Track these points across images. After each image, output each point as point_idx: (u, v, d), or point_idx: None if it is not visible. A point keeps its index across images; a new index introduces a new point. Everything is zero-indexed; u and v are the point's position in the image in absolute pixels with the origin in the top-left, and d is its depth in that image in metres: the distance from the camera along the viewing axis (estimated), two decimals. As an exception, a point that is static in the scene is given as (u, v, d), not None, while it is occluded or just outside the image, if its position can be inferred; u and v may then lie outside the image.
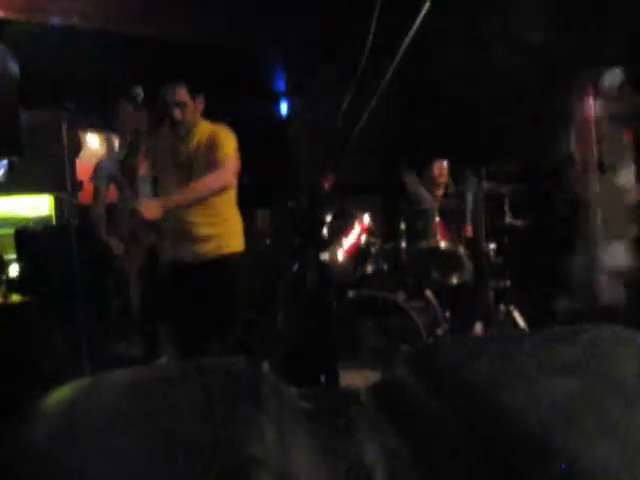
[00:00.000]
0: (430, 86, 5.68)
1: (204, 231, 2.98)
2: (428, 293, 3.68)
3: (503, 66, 5.00)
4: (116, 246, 3.79)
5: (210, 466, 0.56)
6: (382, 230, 4.00)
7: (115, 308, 4.52)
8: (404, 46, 1.45)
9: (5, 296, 3.20)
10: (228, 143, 2.90)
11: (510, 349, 0.79)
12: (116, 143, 4.59)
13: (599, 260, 4.81)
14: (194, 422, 0.64)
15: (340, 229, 3.63)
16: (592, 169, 4.83)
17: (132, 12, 4.95)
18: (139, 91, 3.78)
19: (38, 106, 4.14)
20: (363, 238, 3.69)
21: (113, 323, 4.40)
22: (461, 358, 0.79)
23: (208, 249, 2.99)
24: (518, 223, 4.12)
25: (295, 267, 3.62)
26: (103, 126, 5.59)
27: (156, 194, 3.19)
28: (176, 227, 2.93)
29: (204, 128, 2.98)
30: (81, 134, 5.62)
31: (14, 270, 4.21)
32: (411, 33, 1.44)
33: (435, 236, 3.80)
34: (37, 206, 5.21)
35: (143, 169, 3.42)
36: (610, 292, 4.75)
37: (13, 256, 4.28)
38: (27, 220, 5.10)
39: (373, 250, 3.73)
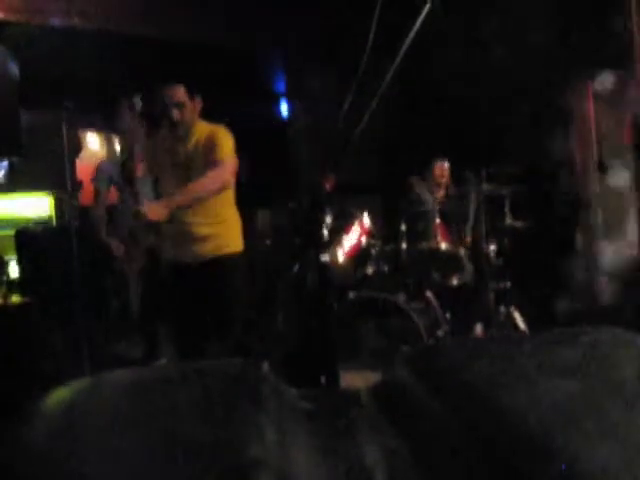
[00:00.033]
0: (430, 86, 5.68)
1: (203, 231, 2.98)
2: (428, 294, 3.68)
3: (503, 66, 5.00)
4: (116, 247, 3.79)
5: (210, 466, 0.56)
6: (382, 231, 4.00)
7: (115, 309, 4.52)
8: (405, 47, 1.45)
9: (5, 297, 3.20)
10: (226, 143, 2.90)
11: (510, 350, 0.80)
12: (116, 144, 4.59)
13: (599, 261, 4.81)
14: (194, 422, 0.64)
15: (340, 230, 3.63)
16: (592, 169, 4.83)
17: (132, 12, 4.95)
18: (138, 100, 3.79)
19: (38, 106, 4.15)
20: (363, 239, 3.69)
21: (113, 324, 4.40)
22: (461, 359, 0.79)
23: (207, 249, 2.99)
24: (518, 224, 4.12)
25: (295, 268, 3.62)
26: (103, 126, 5.59)
27: (157, 195, 3.19)
28: (175, 228, 2.93)
29: (202, 128, 2.98)
30: (81, 134, 5.63)
31: (14, 271, 4.21)
32: (411, 34, 1.44)
33: (435, 237, 3.80)
34: (37, 207, 5.21)
35: (141, 170, 3.42)
36: (610, 293, 4.75)
37: (13, 257, 4.28)
38: (27, 221, 5.10)
39: (373, 251, 3.73)
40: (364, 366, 3.13)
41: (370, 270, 3.71)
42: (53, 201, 5.23)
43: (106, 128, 5.57)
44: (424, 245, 3.81)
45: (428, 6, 1.41)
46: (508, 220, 4.10)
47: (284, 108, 6.20)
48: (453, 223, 4.01)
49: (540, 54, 4.84)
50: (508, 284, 4.08)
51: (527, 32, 4.87)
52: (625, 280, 4.54)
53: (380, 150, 5.90)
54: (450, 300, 3.83)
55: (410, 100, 5.73)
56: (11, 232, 4.50)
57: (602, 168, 4.41)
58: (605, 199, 4.75)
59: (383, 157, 6.08)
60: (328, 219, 3.46)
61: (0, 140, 2.96)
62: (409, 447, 0.68)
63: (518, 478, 0.56)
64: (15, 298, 3.26)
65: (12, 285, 3.63)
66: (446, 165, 4.69)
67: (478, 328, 3.97)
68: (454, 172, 4.69)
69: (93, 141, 5.85)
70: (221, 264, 3.01)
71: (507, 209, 4.11)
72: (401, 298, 3.43)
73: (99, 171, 3.98)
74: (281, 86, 6.21)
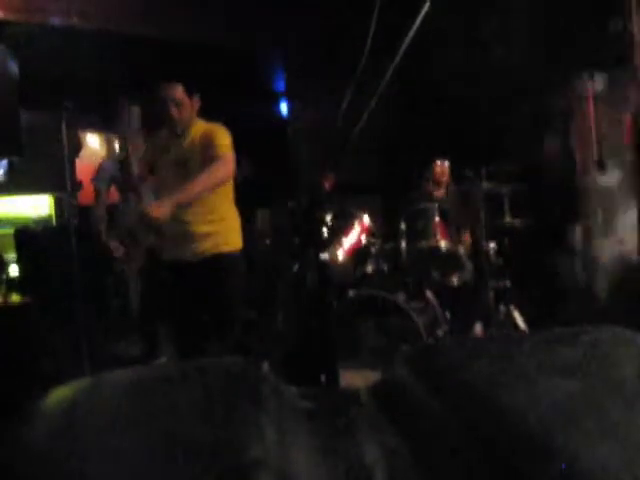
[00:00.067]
0: (430, 86, 5.69)
1: (202, 229, 2.98)
2: (428, 293, 3.68)
3: (503, 66, 5.01)
4: (116, 248, 3.79)
5: (210, 466, 0.56)
6: (382, 230, 4.00)
7: (115, 308, 4.53)
8: (404, 46, 1.45)
9: (5, 296, 3.20)
10: (223, 139, 2.91)
11: (510, 350, 0.80)
12: (116, 144, 4.60)
13: (599, 260, 4.81)
14: (194, 422, 0.64)
15: (340, 229, 3.63)
16: (592, 169, 4.83)
17: (132, 12, 4.95)
18: (136, 107, 3.81)
19: (38, 106, 4.15)
20: (363, 238, 3.69)
21: (113, 323, 4.41)
22: (461, 358, 0.79)
23: (206, 247, 3.00)
24: (518, 223, 4.12)
25: (295, 267, 3.62)
26: (103, 126, 5.59)
27: (156, 194, 3.19)
28: (175, 226, 2.93)
29: (199, 126, 3.00)
30: (81, 134, 5.63)
31: (14, 270, 4.21)
32: (411, 33, 1.44)
33: (435, 236, 3.79)
34: (37, 206, 5.21)
35: (139, 169, 3.42)
36: (610, 292, 4.75)
37: (13, 256, 4.28)
38: (27, 220, 5.11)
39: (373, 250, 3.73)
40: (364, 365, 3.13)
41: (370, 269, 3.71)
42: (53, 200, 5.24)
43: (106, 128, 5.58)
44: (424, 244, 3.81)
45: (427, 5, 1.41)
46: (507, 218, 4.10)
47: (284, 108, 6.20)
48: (453, 222, 4.00)
49: (540, 54, 4.84)
50: (508, 283, 4.08)
51: (527, 32, 4.88)
52: (625, 279, 4.55)
53: (380, 150, 5.90)
54: (450, 299, 3.83)
55: (410, 100, 5.74)
56: (11, 231, 4.51)
57: (602, 167, 4.41)
58: (599, 197, 4.77)
59: (383, 157, 6.08)
60: (328, 218, 3.48)
61: (0, 140, 2.96)
62: (409, 446, 0.68)
63: (518, 477, 0.56)
64: (15, 297, 3.26)
65: (12, 284, 3.63)
66: (446, 164, 4.68)
67: (478, 327, 3.97)
68: (454, 171, 4.69)
69: (93, 141, 5.86)
70: (220, 262, 3.01)
71: (506, 207, 4.11)
72: (401, 297, 3.43)
73: (100, 171, 3.98)
74: (281, 86, 6.21)
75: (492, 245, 4.05)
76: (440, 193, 4.70)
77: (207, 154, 2.86)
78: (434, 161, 4.68)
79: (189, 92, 2.95)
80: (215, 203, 3.00)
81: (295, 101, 6.12)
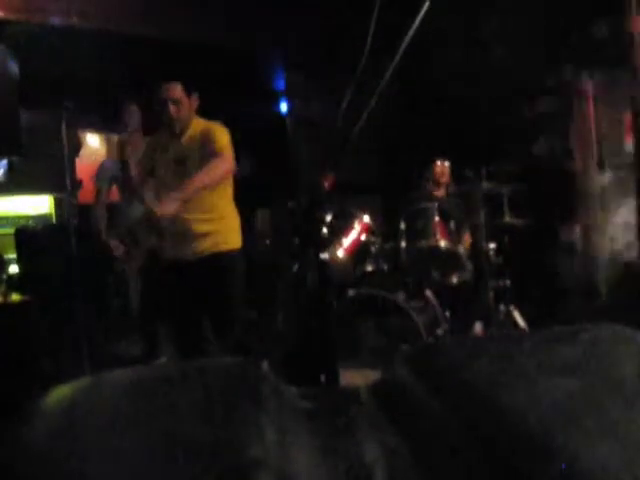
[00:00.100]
0: (430, 86, 5.69)
1: (202, 228, 2.98)
2: (428, 293, 3.68)
3: (503, 66, 5.01)
4: (116, 247, 3.79)
5: (210, 466, 0.56)
6: (382, 230, 4.00)
7: (115, 308, 4.53)
8: (404, 46, 1.45)
9: (5, 295, 3.20)
10: (222, 136, 2.92)
11: (510, 349, 0.80)
12: (116, 144, 4.59)
13: (599, 259, 4.81)
14: (194, 422, 0.64)
15: (340, 229, 3.63)
16: (592, 169, 4.83)
17: (132, 12, 4.95)
18: (136, 108, 3.81)
19: (38, 106, 4.15)
20: (363, 237, 3.69)
21: (113, 323, 4.41)
22: (461, 358, 0.79)
23: (205, 246, 3.00)
24: (518, 222, 4.12)
25: (295, 267, 3.62)
26: (103, 126, 5.59)
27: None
28: (174, 226, 2.93)
29: (198, 124, 3.01)
30: (81, 134, 5.63)
31: (14, 269, 4.21)
32: (411, 33, 1.44)
33: (435, 236, 3.79)
34: (37, 205, 5.21)
35: (137, 173, 3.42)
36: (610, 290, 4.75)
37: (13, 255, 4.28)
38: (27, 218, 5.11)
39: (373, 250, 3.73)
40: (364, 364, 3.13)
41: (370, 268, 3.71)
42: (53, 200, 5.24)
43: (106, 128, 5.58)
44: (423, 243, 3.81)
45: (427, 5, 1.41)
46: (507, 218, 4.10)
47: (284, 107, 6.20)
48: (453, 222, 3.99)
49: (540, 54, 4.85)
50: (508, 282, 4.08)
51: (527, 32, 4.88)
52: (625, 278, 4.55)
53: (380, 150, 5.90)
54: (449, 298, 3.83)
55: (410, 100, 5.74)
56: (11, 230, 4.51)
57: (602, 168, 4.42)
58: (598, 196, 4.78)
59: (383, 157, 6.08)
60: (328, 218, 3.48)
61: (0, 140, 2.96)
62: (409, 446, 0.68)
63: (518, 477, 0.56)
64: (15, 296, 3.25)
65: (12, 283, 3.62)
66: (447, 164, 4.68)
67: (478, 326, 3.97)
68: (454, 171, 4.69)
69: (93, 141, 5.86)
70: (219, 261, 3.01)
71: (506, 207, 4.11)
72: (400, 296, 3.43)
73: (101, 170, 3.98)
74: (281, 85, 6.21)
75: (492, 245, 4.05)
76: (440, 193, 4.70)
77: (206, 152, 2.86)
78: (434, 161, 4.68)
79: (187, 91, 2.96)
80: (214, 202, 3.00)
81: (295, 101, 6.12)
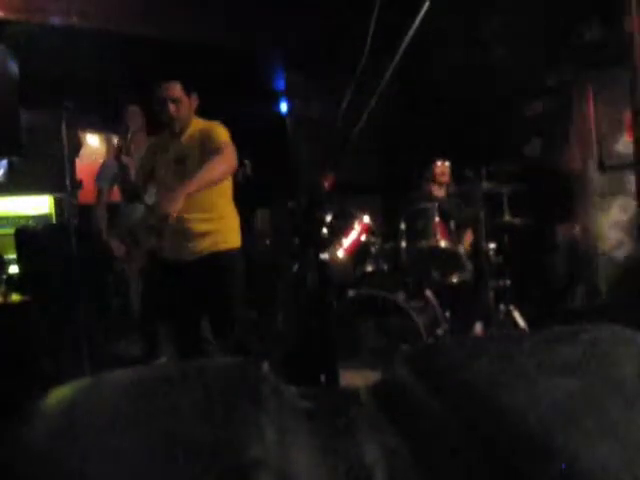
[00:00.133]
0: (430, 86, 5.69)
1: (201, 228, 2.98)
2: (428, 293, 3.68)
3: (503, 66, 5.01)
4: (117, 248, 3.79)
5: (210, 466, 0.56)
6: (382, 230, 4.00)
7: (115, 308, 4.53)
8: (404, 46, 1.45)
9: (5, 296, 3.20)
10: (221, 133, 2.92)
11: (510, 349, 0.79)
12: (116, 143, 4.59)
13: (599, 258, 4.82)
14: (194, 422, 0.64)
15: (340, 229, 3.63)
16: (592, 169, 4.83)
17: (132, 12, 4.95)
18: (137, 109, 3.81)
19: (38, 106, 4.15)
20: (363, 237, 3.68)
21: (113, 323, 4.41)
22: (461, 358, 0.79)
23: (204, 246, 3.00)
24: (517, 222, 4.12)
25: (295, 267, 3.62)
26: (103, 126, 5.60)
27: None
28: (173, 225, 2.93)
29: (197, 124, 3.02)
30: (81, 134, 5.64)
31: (14, 269, 4.22)
32: (411, 33, 1.44)
33: (435, 236, 3.79)
34: (37, 205, 5.22)
35: (137, 178, 3.41)
36: (610, 290, 4.75)
37: (13, 256, 4.28)
38: (27, 218, 5.11)
39: (373, 250, 3.73)
40: (364, 365, 3.13)
41: (370, 268, 3.71)
42: (53, 200, 5.24)
43: (106, 128, 5.58)
44: (424, 243, 3.81)
45: (427, 4, 1.41)
46: (507, 218, 4.10)
47: (284, 107, 6.20)
48: (453, 221, 3.99)
49: (540, 54, 4.85)
50: (508, 282, 4.08)
51: (527, 32, 4.88)
52: (625, 278, 4.55)
53: (380, 150, 5.91)
54: (450, 298, 3.83)
55: (410, 100, 5.74)
56: (11, 230, 4.51)
57: (602, 168, 4.42)
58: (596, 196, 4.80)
59: (383, 157, 6.08)
60: (328, 218, 3.48)
61: (0, 140, 2.96)
62: (409, 446, 0.68)
63: (518, 477, 0.56)
64: (15, 297, 3.26)
65: (12, 283, 3.63)
66: (447, 164, 4.68)
67: (478, 326, 3.97)
68: (454, 171, 4.69)
69: (93, 141, 5.86)
70: (219, 260, 3.01)
71: (506, 207, 4.11)
72: (400, 297, 3.43)
73: (103, 170, 3.98)
74: (281, 86, 6.21)
75: (492, 245, 4.05)
76: (440, 193, 4.70)
77: (206, 150, 2.86)
78: (434, 161, 4.67)
79: (187, 90, 2.96)
80: (214, 201, 3.00)
81: (295, 101, 6.12)
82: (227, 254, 3.04)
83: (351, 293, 3.45)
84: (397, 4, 1.87)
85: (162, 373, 0.84)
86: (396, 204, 4.50)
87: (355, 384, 0.89)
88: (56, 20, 4.61)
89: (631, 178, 4.57)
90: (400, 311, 3.32)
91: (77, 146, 5.31)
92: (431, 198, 4.52)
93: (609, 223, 4.71)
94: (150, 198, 3.20)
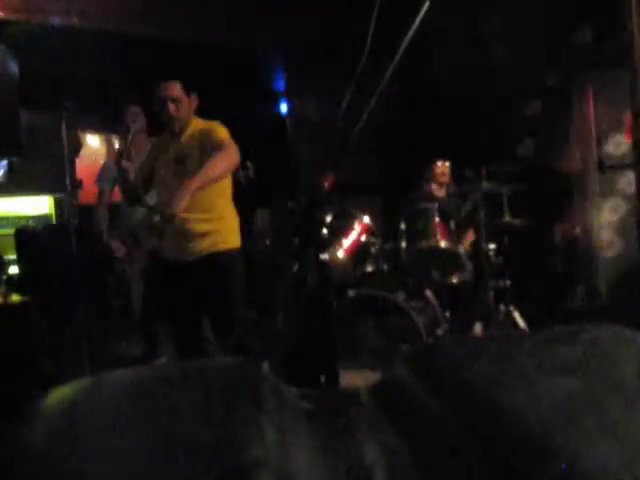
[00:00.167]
0: (430, 86, 5.69)
1: (201, 228, 2.98)
2: (428, 293, 3.68)
3: (503, 66, 5.01)
4: (117, 248, 3.78)
5: (210, 466, 0.56)
6: (382, 230, 4.00)
7: (115, 308, 4.53)
8: (404, 46, 1.45)
9: (5, 296, 3.20)
10: (221, 131, 2.91)
11: (510, 349, 0.79)
12: (116, 144, 4.59)
13: (599, 258, 4.82)
14: (194, 422, 0.64)
15: (340, 229, 3.63)
16: (592, 169, 4.83)
17: (132, 12, 4.95)
18: (138, 109, 3.81)
19: (38, 106, 4.15)
20: (363, 238, 3.68)
21: (113, 323, 4.41)
22: (461, 358, 0.79)
23: (204, 246, 3.00)
24: (517, 222, 4.12)
25: (295, 267, 3.62)
26: (103, 126, 5.59)
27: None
28: (173, 225, 2.92)
29: (197, 124, 3.02)
30: (81, 134, 5.63)
31: (14, 270, 4.21)
32: (411, 33, 1.44)
33: (435, 236, 3.79)
34: (37, 205, 5.22)
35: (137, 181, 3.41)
36: (610, 290, 4.75)
37: (13, 256, 4.28)
38: (27, 219, 5.11)
39: (373, 250, 3.73)
40: (364, 365, 3.13)
41: (370, 268, 3.71)
42: (53, 200, 5.24)
43: (106, 128, 5.58)
44: (424, 244, 3.81)
45: (427, 4, 1.41)
46: (507, 218, 4.10)
47: (284, 108, 6.20)
48: (453, 222, 3.99)
49: (540, 54, 4.85)
50: (508, 282, 4.07)
51: (527, 32, 4.88)
52: (625, 278, 4.55)
53: (380, 150, 5.90)
54: (449, 299, 3.83)
55: (410, 100, 5.74)
56: (11, 231, 4.51)
57: (602, 168, 4.42)
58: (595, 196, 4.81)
59: (383, 157, 6.08)
60: (328, 218, 3.48)
61: (0, 140, 2.96)
62: (409, 446, 0.68)
63: (518, 477, 0.56)
64: (15, 297, 3.26)
65: (12, 284, 3.63)
66: (447, 164, 4.68)
67: (477, 327, 3.97)
68: (454, 171, 4.69)
69: (93, 141, 5.86)
70: (218, 260, 3.01)
71: (506, 207, 4.11)
72: (400, 297, 3.43)
73: (104, 170, 3.98)
74: (281, 86, 6.21)
75: (492, 245, 4.05)
76: (440, 193, 4.70)
77: (206, 148, 2.85)
78: (434, 161, 4.68)
79: (187, 90, 2.96)
80: (213, 201, 3.00)
81: (295, 101, 6.12)
82: (227, 254, 3.04)
83: (351, 293, 3.45)
84: (397, 4, 1.87)
85: (162, 373, 0.84)
86: (396, 204, 4.50)
87: (355, 384, 0.89)
88: (56, 20, 4.61)
89: (621, 179, 4.59)
90: (400, 311, 3.32)
91: (77, 146, 5.30)
92: (431, 198, 4.52)
93: (600, 224, 4.73)
94: (151, 199, 3.20)
